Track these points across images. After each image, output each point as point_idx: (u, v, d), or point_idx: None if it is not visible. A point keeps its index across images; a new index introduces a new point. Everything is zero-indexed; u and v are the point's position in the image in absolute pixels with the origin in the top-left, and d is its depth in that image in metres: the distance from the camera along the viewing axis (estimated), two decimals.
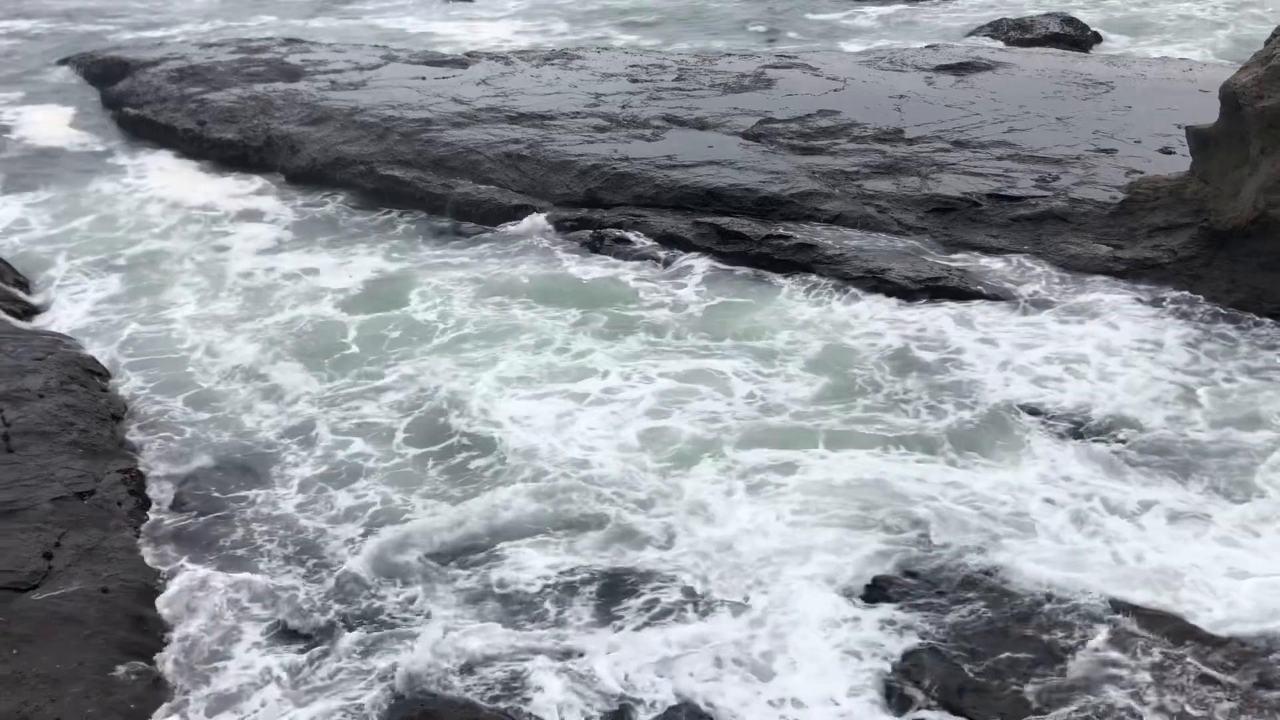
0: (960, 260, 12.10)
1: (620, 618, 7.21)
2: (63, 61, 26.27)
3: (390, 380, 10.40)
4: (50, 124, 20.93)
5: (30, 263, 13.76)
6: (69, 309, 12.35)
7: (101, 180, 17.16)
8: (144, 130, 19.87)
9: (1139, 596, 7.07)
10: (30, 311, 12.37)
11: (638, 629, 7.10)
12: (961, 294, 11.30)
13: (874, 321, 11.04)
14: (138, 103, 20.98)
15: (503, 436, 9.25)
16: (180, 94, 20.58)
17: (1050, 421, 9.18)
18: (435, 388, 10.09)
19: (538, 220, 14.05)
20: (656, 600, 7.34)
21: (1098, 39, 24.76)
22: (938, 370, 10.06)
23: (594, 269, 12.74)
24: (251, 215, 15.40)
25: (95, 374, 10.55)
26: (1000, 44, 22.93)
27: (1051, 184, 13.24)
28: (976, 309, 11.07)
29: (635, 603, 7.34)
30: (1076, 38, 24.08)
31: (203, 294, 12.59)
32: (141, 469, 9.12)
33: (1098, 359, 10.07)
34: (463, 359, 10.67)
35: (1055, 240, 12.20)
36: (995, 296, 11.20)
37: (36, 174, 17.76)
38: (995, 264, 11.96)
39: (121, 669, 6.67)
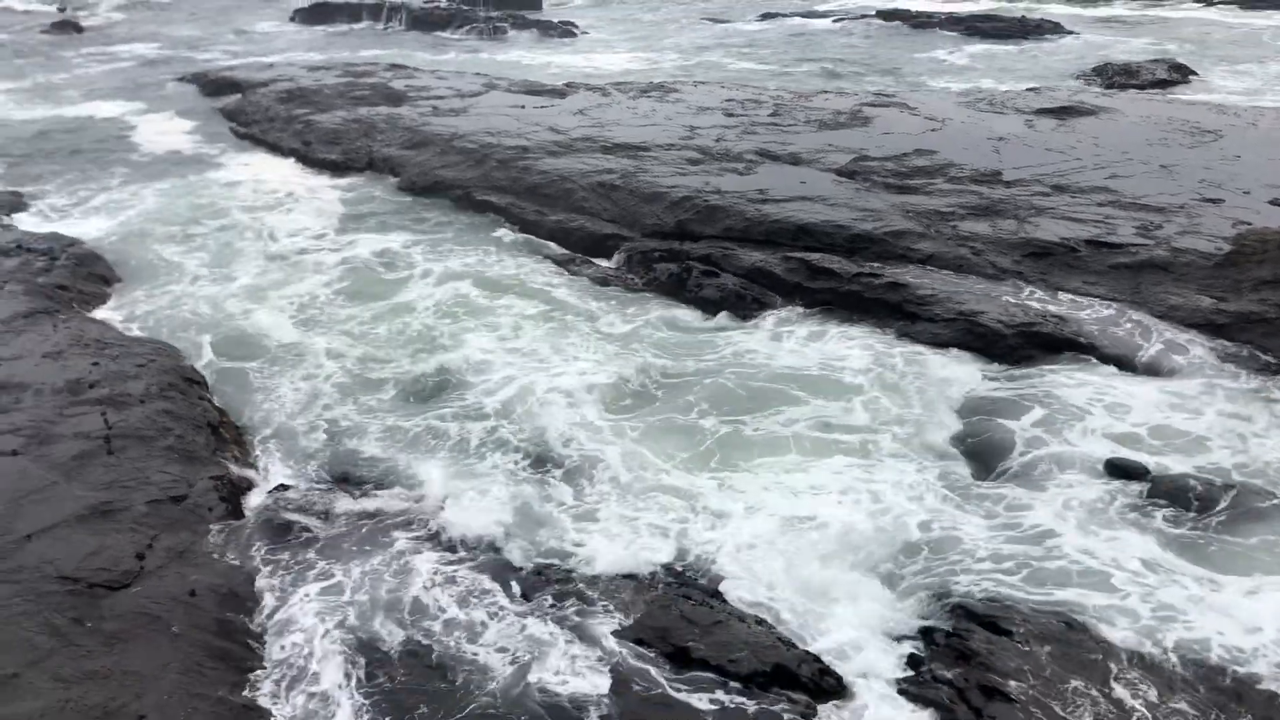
0: (1056, 307, 11.83)
1: None
2: (179, 80, 27.42)
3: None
4: (168, 131, 21.94)
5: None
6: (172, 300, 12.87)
7: (209, 173, 18.23)
8: (252, 144, 20.64)
9: None
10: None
11: None
12: (1055, 342, 11.03)
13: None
14: (247, 121, 21.74)
15: None
16: (288, 115, 21.26)
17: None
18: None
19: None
20: None
21: (1205, 86, 24.17)
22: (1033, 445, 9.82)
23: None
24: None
25: (194, 382, 10.86)
26: (1104, 88, 22.53)
27: (1153, 232, 12.91)
28: (1069, 366, 10.77)
29: None
30: (1184, 84, 23.53)
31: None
32: (233, 476, 9.35)
33: (1190, 419, 9.73)
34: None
35: (1155, 290, 11.88)
36: (1091, 346, 10.90)
37: (155, 169, 18.96)
38: (1092, 312, 11.65)
39: (206, 672, 6.83)
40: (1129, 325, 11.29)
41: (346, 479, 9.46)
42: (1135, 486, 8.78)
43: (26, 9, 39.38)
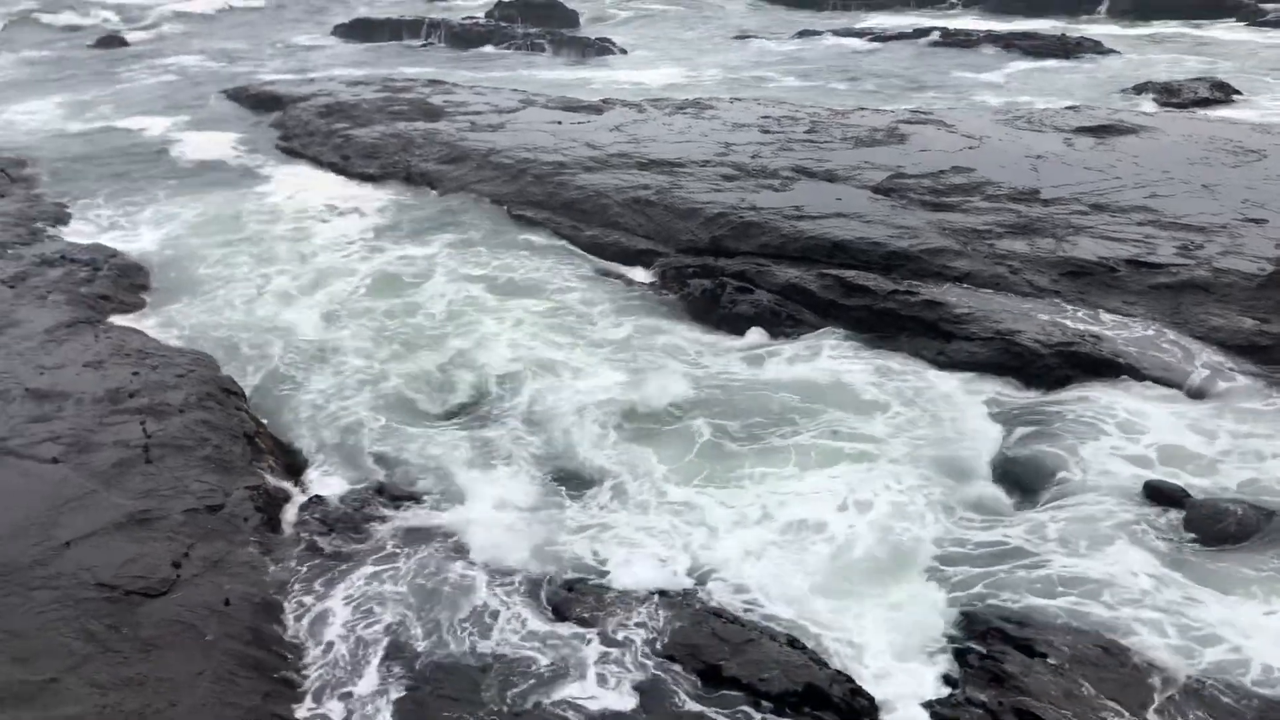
0: (1094, 326, 11.71)
1: None
2: (221, 93, 27.82)
3: None
4: (210, 145, 22.31)
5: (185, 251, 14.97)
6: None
7: (251, 186, 18.67)
8: (292, 157, 20.89)
9: None
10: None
11: None
12: (1094, 362, 10.90)
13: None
14: (287, 135, 22.00)
15: None
16: (327, 129, 21.50)
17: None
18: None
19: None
20: None
21: (1249, 105, 23.90)
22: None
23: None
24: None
25: (231, 393, 10.97)
26: (1145, 107, 22.34)
27: (1194, 252, 12.76)
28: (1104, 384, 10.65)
29: None
30: (1227, 103, 23.28)
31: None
32: (270, 486, 9.43)
33: (1230, 442, 9.59)
34: None
35: (1196, 310, 11.73)
36: (1130, 368, 10.76)
37: (197, 182, 19.47)
38: (1131, 332, 11.51)
39: (239, 680, 6.89)
40: (1169, 346, 11.15)
41: (381, 490, 9.51)
42: (1173, 510, 8.66)
43: (70, 24, 40.14)
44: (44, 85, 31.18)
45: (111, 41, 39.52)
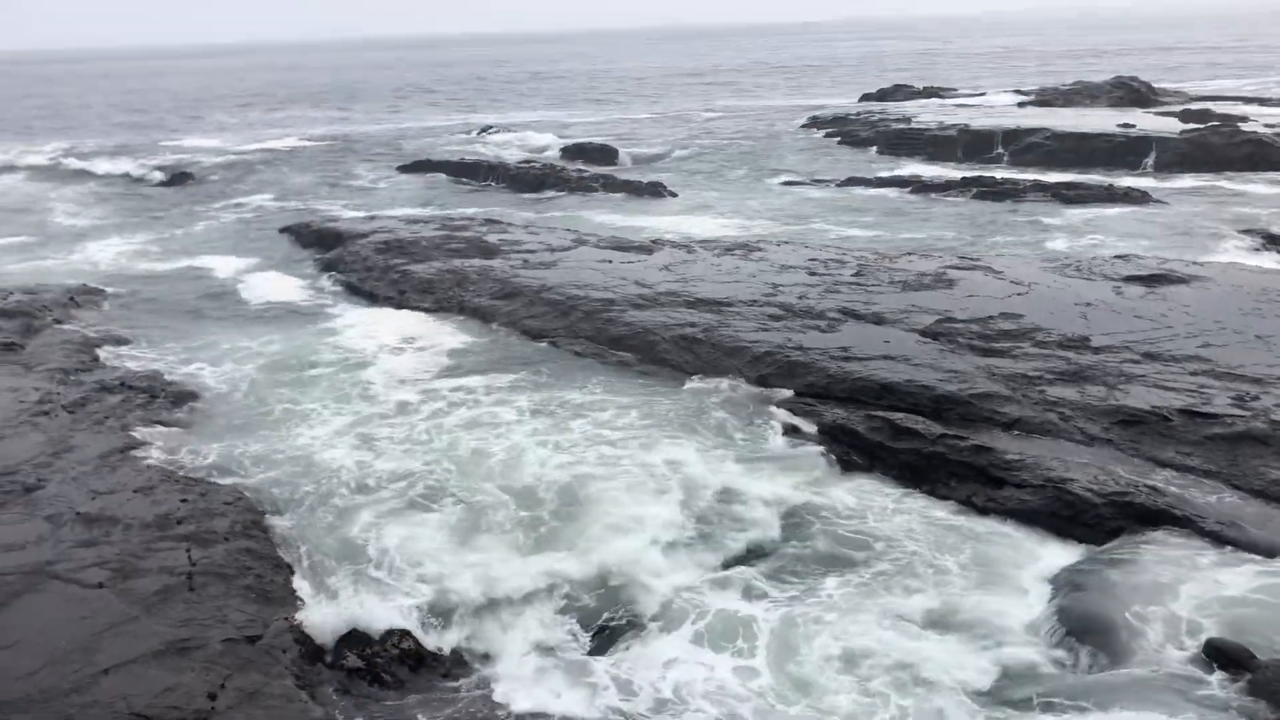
0: (1149, 477, 11.46)
1: None
2: (284, 230, 28.81)
3: None
4: (272, 281, 23.01)
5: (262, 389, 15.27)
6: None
7: (312, 321, 19.22)
8: (351, 292, 21.43)
9: None
10: None
11: None
12: (1149, 513, 10.64)
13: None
14: (346, 270, 22.63)
15: None
16: (385, 264, 22.10)
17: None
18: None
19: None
20: None
21: None
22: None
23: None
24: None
25: (274, 523, 11.02)
26: (1193, 257, 22.32)
27: (1250, 403, 12.56)
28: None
29: None
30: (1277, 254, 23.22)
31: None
32: (310, 619, 9.36)
33: None
34: None
35: (1254, 464, 11.47)
36: (1187, 520, 10.47)
37: (258, 317, 20.00)
38: (1187, 483, 11.25)
39: None
40: (1227, 499, 10.87)
41: (424, 625, 9.39)
42: (1238, 673, 8.30)
43: (139, 174, 42.07)
44: (119, 224, 32.52)
45: (182, 178, 41.23)
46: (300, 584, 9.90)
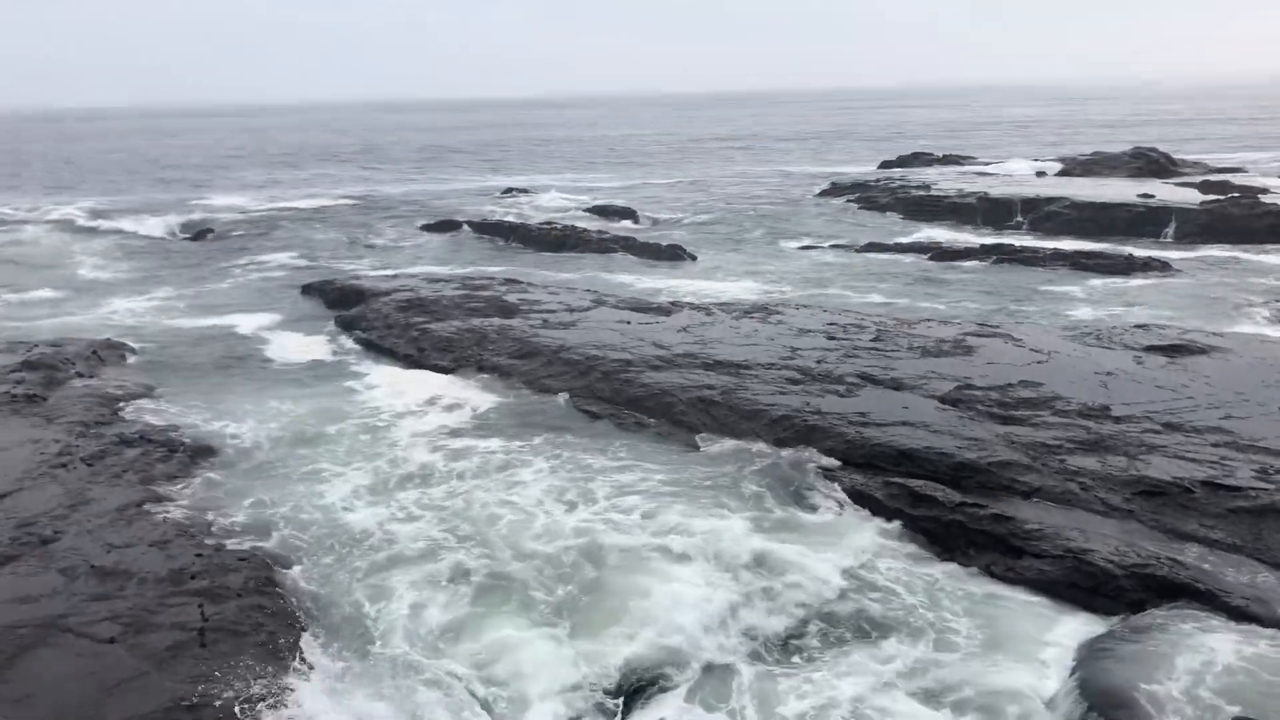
0: (1171, 549, 11.29)
1: None
2: (306, 287, 29.09)
3: None
4: (294, 338, 23.18)
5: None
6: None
7: (333, 379, 19.25)
8: (371, 350, 21.53)
9: None
10: None
11: None
12: (1172, 586, 10.48)
13: None
14: (366, 327, 22.78)
15: None
16: (405, 322, 22.24)
17: None
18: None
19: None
20: None
21: None
22: None
23: None
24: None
25: (287, 580, 10.98)
26: (1214, 328, 22.23)
27: (1273, 476, 12.42)
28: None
29: None
30: None
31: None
32: (320, 683, 9.28)
33: None
34: None
35: (1278, 537, 11.31)
36: (1211, 594, 10.30)
37: (278, 375, 20.07)
38: (1211, 556, 11.08)
39: None
40: (1251, 573, 10.70)
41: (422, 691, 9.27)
42: None
43: (164, 231, 42.67)
44: (143, 279, 32.91)
45: (204, 234, 41.81)
46: (312, 653, 9.71)
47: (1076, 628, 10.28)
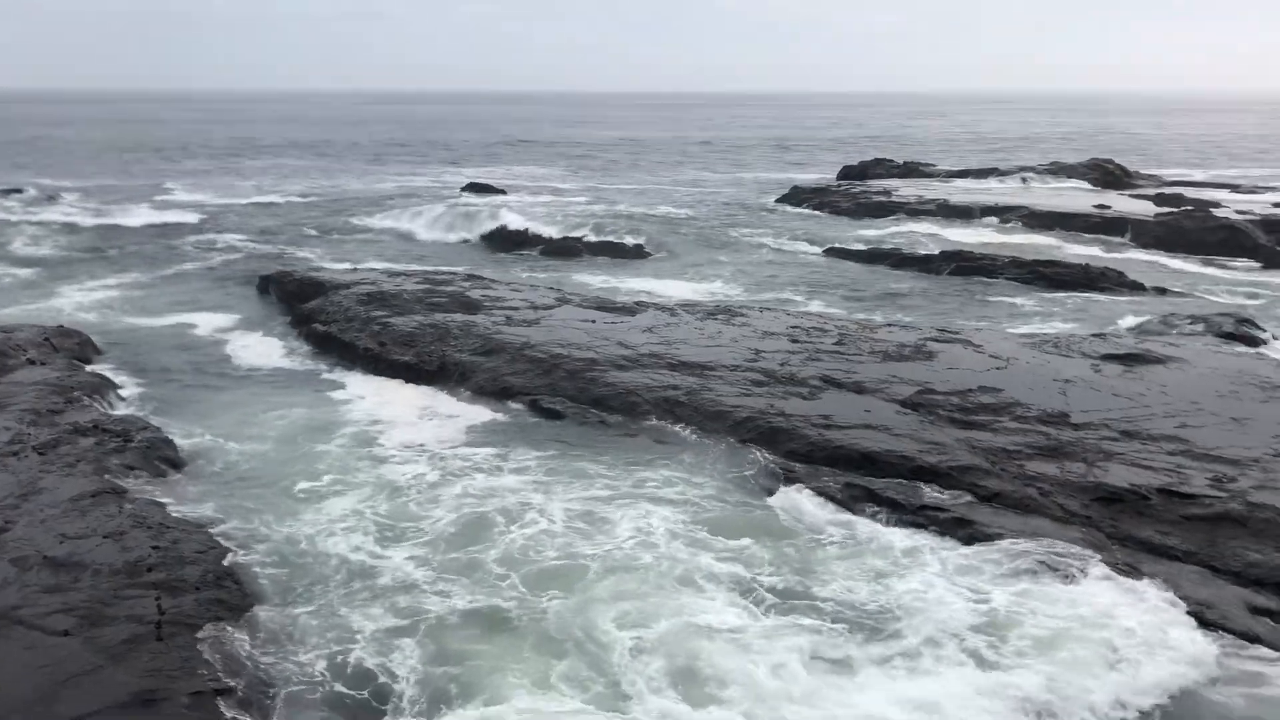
0: (1126, 556, 11.46)
1: None
2: (264, 279, 28.68)
3: None
4: (255, 337, 22.86)
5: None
6: None
7: (305, 384, 19.02)
8: (330, 346, 21.20)
9: None
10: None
11: None
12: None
13: None
14: (326, 320, 22.49)
15: None
16: (366, 315, 22.00)
17: None
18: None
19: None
20: None
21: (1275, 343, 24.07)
22: None
23: None
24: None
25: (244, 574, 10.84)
26: (1169, 339, 22.56)
27: (1227, 485, 12.64)
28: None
29: None
30: (1251, 339, 23.50)
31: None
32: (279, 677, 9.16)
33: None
34: None
35: (1232, 544, 11.51)
36: (1169, 605, 10.46)
37: (234, 367, 19.74)
38: (1162, 565, 11.25)
39: None
40: (1205, 583, 10.90)
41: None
42: None
43: (117, 219, 41.76)
44: (93, 266, 32.34)
45: (163, 224, 41.08)
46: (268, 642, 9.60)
47: None
